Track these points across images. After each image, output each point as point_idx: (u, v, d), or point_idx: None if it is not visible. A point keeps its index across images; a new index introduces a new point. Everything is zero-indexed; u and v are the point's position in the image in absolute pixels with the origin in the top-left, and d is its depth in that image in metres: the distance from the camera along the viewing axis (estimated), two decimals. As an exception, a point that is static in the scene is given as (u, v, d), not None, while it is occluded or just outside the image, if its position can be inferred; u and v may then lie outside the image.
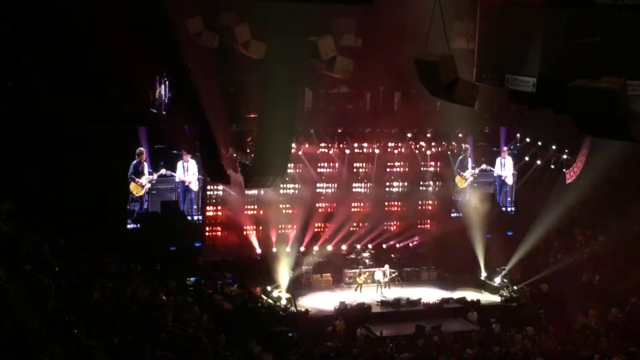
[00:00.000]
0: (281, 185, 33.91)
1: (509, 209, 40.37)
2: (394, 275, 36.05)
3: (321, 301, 33.92)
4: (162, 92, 32.95)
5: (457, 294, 35.14)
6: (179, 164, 34.63)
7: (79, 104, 30.18)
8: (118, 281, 27.52)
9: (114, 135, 31.46)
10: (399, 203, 39.14)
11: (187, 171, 34.64)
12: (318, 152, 37.11)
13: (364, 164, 38.58)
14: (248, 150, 33.14)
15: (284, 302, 32.31)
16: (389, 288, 35.51)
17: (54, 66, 29.77)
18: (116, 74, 29.76)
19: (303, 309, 32.18)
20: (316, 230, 37.43)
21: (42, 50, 29.40)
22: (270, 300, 32.49)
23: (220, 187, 35.70)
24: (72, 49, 29.58)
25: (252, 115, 32.75)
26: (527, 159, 39.02)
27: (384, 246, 38.93)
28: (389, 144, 38.38)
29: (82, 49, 29.53)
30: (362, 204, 38.40)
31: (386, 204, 38.97)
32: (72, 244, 27.88)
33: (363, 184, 38.68)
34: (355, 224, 38.15)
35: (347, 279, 36.04)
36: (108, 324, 21.69)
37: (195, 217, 35.55)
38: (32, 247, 24.76)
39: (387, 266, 36.03)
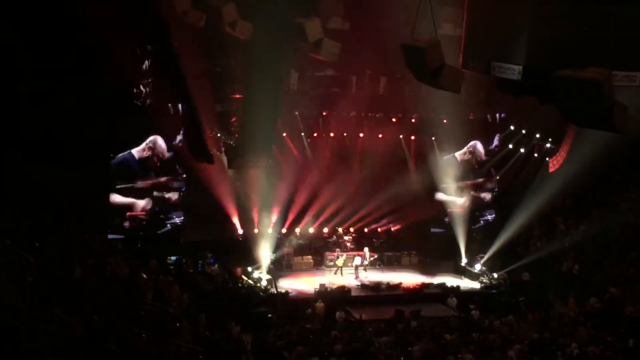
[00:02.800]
0: (264, 166, 33.84)
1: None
2: (373, 258, 36.15)
3: (301, 283, 34.02)
4: (147, 70, 32.75)
5: (437, 280, 35.34)
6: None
7: (61, 82, 29.98)
8: (98, 258, 27.45)
9: (98, 113, 31.26)
10: (382, 187, 39.15)
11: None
12: (302, 134, 37.06)
13: (347, 148, 38.56)
14: (232, 130, 33.07)
15: (264, 283, 32.40)
16: (366, 271, 35.64)
17: (37, 44, 29.54)
18: (100, 51, 29.55)
19: (283, 291, 32.26)
20: (298, 212, 37.46)
21: (25, 29, 29.13)
22: (250, 281, 32.56)
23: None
24: (55, 26, 29.32)
25: (237, 96, 32.65)
26: (510, 146, 39.10)
27: (366, 230, 39.08)
28: (374, 128, 38.36)
29: (65, 24, 29.27)
30: (345, 187, 38.40)
31: (369, 187, 38.98)
32: (53, 220, 27.79)
33: (346, 168, 38.65)
34: (337, 207, 38.22)
35: (327, 261, 36.22)
36: (88, 301, 21.64)
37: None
38: (13, 222, 24.65)
39: (366, 249, 36.14)
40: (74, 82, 30.18)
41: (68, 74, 29.99)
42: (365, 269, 35.76)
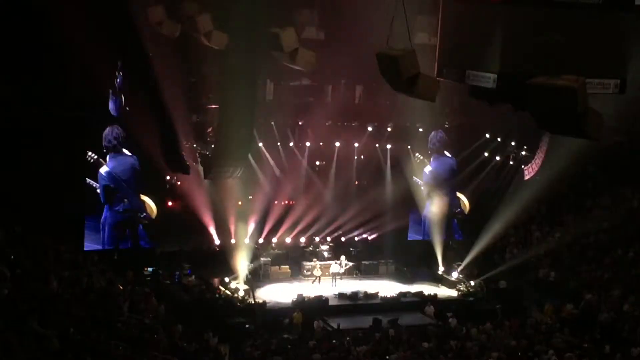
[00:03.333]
0: (240, 177, 33.76)
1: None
2: (348, 266, 36.15)
3: (279, 293, 33.94)
4: (121, 81, 32.62)
5: (414, 288, 35.33)
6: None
7: (36, 91, 29.85)
8: (74, 270, 27.29)
9: (72, 123, 31.09)
10: (359, 196, 39.12)
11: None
12: (278, 144, 37.02)
13: (324, 157, 38.55)
14: (208, 141, 33.01)
15: (241, 293, 32.31)
16: (341, 279, 35.61)
17: (10, 52, 29.38)
18: (74, 62, 29.43)
19: (261, 301, 32.16)
20: (275, 222, 37.41)
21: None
22: (227, 292, 32.48)
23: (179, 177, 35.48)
24: (29, 34, 29.18)
25: (213, 106, 32.60)
26: (486, 154, 39.21)
27: (343, 239, 39.06)
28: (350, 137, 38.39)
29: (39, 34, 29.14)
30: (321, 197, 38.37)
31: (346, 196, 38.96)
32: (28, 232, 27.61)
33: (323, 177, 38.63)
34: (314, 217, 38.17)
35: (305, 271, 36.16)
36: (63, 314, 21.50)
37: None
38: (-13, 235, 24.49)
39: (343, 257, 36.15)
40: (47, 92, 30.04)
41: (42, 85, 29.86)
42: (341, 278, 35.73)
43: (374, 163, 39.23)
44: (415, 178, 38.76)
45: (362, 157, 38.95)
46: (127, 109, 32.52)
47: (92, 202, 33.25)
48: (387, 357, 24.96)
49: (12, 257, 24.06)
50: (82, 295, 24.29)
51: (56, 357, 18.40)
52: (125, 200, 33.46)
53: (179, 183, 34.70)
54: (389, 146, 38.94)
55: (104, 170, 32.89)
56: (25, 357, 17.32)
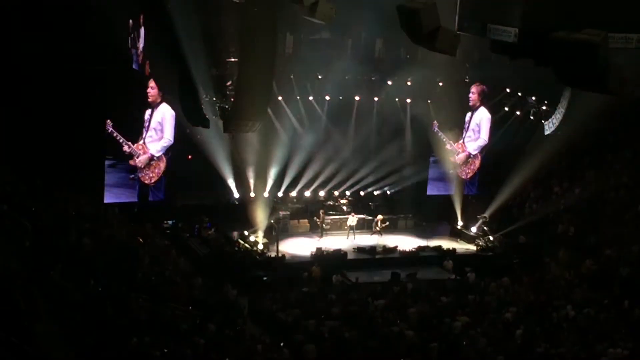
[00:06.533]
0: (260, 130, 33.74)
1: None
2: (385, 225, 36.13)
3: (298, 247, 34.09)
4: (142, 34, 32.56)
5: (433, 243, 35.41)
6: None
7: (57, 46, 29.87)
8: (95, 223, 27.47)
9: (92, 76, 31.12)
10: (378, 150, 39.06)
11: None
12: (297, 97, 36.92)
13: (343, 111, 38.42)
14: (228, 94, 32.93)
15: (260, 246, 32.44)
16: (355, 237, 35.73)
17: (30, 7, 29.40)
18: (95, 16, 29.41)
19: (280, 255, 32.30)
20: (294, 176, 37.44)
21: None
22: (247, 245, 32.61)
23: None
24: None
25: (232, 60, 32.49)
26: (506, 109, 38.99)
27: (362, 193, 39.10)
28: (369, 91, 38.21)
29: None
30: (341, 151, 38.33)
31: (365, 150, 38.92)
32: (49, 185, 27.80)
33: (342, 130, 38.54)
34: (333, 171, 38.19)
35: (324, 225, 36.18)
36: (84, 266, 21.69)
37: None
38: (9, 187, 24.65)
39: (380, 216, 36.16)
40: (68, 46, 30.07)
41: (61, 38, 29.87)
42: (354, 235, 35.85)
43: (393, 117, 39.07)
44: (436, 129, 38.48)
45: (381, 111, 38.73)
46: (147, 62, 32.48)
47: (114, 151, 33.39)
48: (405, 310, 25.07)
49: (33, 209, 24.26)
50: (102, 247, 24.49)
51: (77, 308, 18.59)
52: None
53: (198, 137, 34.70)
54: (408, 100, 38.75)
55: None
56: (47, 308, 17.51)
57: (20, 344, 14.16)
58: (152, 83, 33.15)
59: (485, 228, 36.37)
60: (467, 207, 38.39)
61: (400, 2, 14.06)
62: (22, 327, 15.36)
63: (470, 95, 38.09)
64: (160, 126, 33.90)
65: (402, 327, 23.44)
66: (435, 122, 38.11)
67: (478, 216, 37.05)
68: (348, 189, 38.71)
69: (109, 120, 32.27)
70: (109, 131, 32.37)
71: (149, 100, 33.40)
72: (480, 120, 38.60)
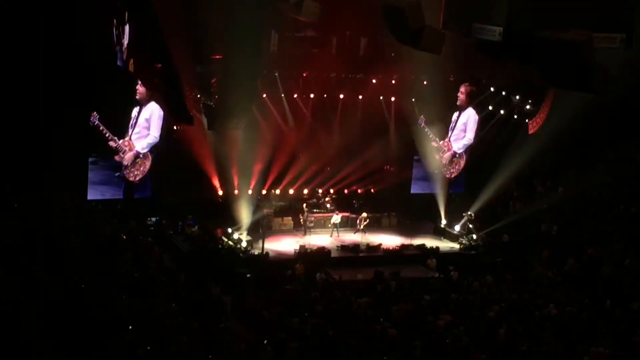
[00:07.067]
0: (244, 128, 33.70)
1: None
2: (366, 222, 36.16)
3: (281, 245, 34.08)
4: (126, 31, 32.43)
5: (416, 241, 35.45)
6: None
7: (40, 43, 29.78)
8: (78, 219, 27.40)
9: (77, 72, 30.99)
10: (362, 148, 39.12)
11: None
12: (282, 95, 36.89)
13: (327, 109, 38.44)
14: (212, 92, 32.88)
15: (244, 244, 32.41)
16: (339, 235, 35.76)
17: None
18: (80, 11, 29.30)
19: (263, 252, 32.29)
20: (278, 173, 37.43)
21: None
22: (230, 242, 32.59)
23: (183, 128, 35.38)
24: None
25: (217, 57, 32.44)
26: (490, 108, 39.06)
27: (346, 191, 39.14)
28: (354, 89, 38.24)
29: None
30: (325, 149, 38.35)
31: (349, 149, 38.95)
32: (32, 182, 27.70)
33: (326, 129, 38.56)
34: (317, 169, 38.24)
35: (308, 223, 36.20)
36: (67, 262, 21.63)
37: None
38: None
39: (364, 214, 36.15)
40: (52, 44, 29.95)
41: (46, 36, 29.76)
42: (338, 232, 35.89)
43: (377, 115, 39.10)
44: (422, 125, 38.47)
45: (366, 109, 38.75)
46: (131, 59, 32.35)
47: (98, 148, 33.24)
48: (389, 309, 25.10)
49: (16, 205, 24.18)
50: (86, 244, 24.42)
51: (60, 305, 18.54)
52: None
53: (183, 134, 34.65)
54: (393, 99, 38.79)
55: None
56: (29, 305, 17.45)
57: (3, 341, 14.11)
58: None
59: (470, 226, 36.43)
60: (451, 206, 38.45)
61: (386, 1, 14.09)
62: (5, 324, 15.30)
63: (459, 95, 38.06)
64: (147, 124, 33.79)
65: (385, 325, 23.45)
66: (422, 117, 38.10)
67: (463, 214, 37.11)
68: (332, 186, 38.72)
69: (94, 113, 32.06)
70: (95, 123, 32.16)
71: (137, 97, 33.31)
72: (467, 120, 38.61)
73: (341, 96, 38.00)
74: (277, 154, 37.06)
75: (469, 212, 36.95)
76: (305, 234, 35.64)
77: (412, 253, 34.39)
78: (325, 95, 37.86)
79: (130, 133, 33.51)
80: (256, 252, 32.11)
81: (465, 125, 38.62)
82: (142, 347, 17.97)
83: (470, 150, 39.06)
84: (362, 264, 32.65)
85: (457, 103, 38.24)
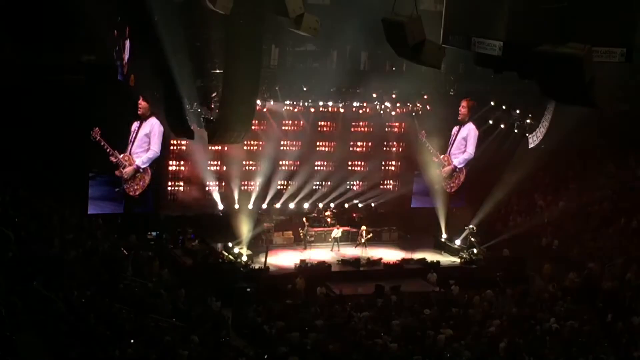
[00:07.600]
0: (244, 142, 33.72)
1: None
2: (369, 236, 36.06)
3: (282, 259, 34.01)
4: (127, 46, 32.55)
5: (417, 255, 35.37)
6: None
7: (41, 55, 29.84)
8: (78, 233, 27.40)
9: (78, 87, 31.09)
10: (363, 163, 39.17)
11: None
12: (283, 109, 36.93)
13: (328, 123, 38.50)
14: (212, 106, 32.92)
15: (244, 258, 32.37)
16: (339, 249, 35.66)
17: (14, 16, 29.35)
18: (79, 26, 29.38)
19: (264, 267, 32.25)
20: (279, 187, 37.46)
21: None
22: (230, 257, 32.55)
23: (184, 142, 35.44)
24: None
25: (217, 71, 32.50)
26: (490, 122, 39.06)
27: (346, 205, 39.09)
28: (354, 104, 38.28)
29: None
30: (325, 163, 38.39)
31: (349, 163, 39.02)
32: (32, 196, 27.71)
33: (327, 143, 38.60)
34: (318, 183, 38.28)
35: (308, 237, 36.16)
36: (67, 277, 21.63)
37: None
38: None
39: (363, 227, 36.04)
40: (53, 56, 30.04)
41: (47, 48, 29.85)
42: (339, 247, 35.80)
43: (378, 129, 39.13)
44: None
45: (366, 123, 38.80)
46: (132, 73, 32.46)
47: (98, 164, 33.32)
48: (389, 323, 25.06)
49: (17, 219, 24.18)
50: (86, 258, 24.43)
51: (60, 319, 18.52)
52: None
53: (183, 148, 34.67)
54: (393, 113, 38.82)
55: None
56: (30, 319, 17.44)
57: (3, 355, 14.09)
58: None
59: (472, 239, 36.35)
60: (451, 220, 38.40)
61: (386, 15, 14.13)
62: (4, 338, 15.28)
63: (460, 109, 38.11)
64: (147, 139, 33.96)
65: (386, 339, 23.43)
66: (423, 131, 38.14)
67: (465, 227, 37.04)
68: (332, 201, 38.69)
69: (97, 129, 32.25)
70: (97, 139, 32.33)
71: (139, 113, 33.48)
72: (468, 134, 38.63)
73: (341, 110, 38.02)
74: (277, 168, 37.10)
75: (470, 226, 36.88)
76: (305, 248, 35.57)
77: (412, 267, 34.30)
78: (325, 109, 37.89)
79: (129, 148, 33.61)
80: (257, 267, 32.06)
81: (466, 140, 38.65)
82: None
83: (470, 164, 39.06)
84: (363, 278, 32.55)
85: (458, 118, 38.29)
